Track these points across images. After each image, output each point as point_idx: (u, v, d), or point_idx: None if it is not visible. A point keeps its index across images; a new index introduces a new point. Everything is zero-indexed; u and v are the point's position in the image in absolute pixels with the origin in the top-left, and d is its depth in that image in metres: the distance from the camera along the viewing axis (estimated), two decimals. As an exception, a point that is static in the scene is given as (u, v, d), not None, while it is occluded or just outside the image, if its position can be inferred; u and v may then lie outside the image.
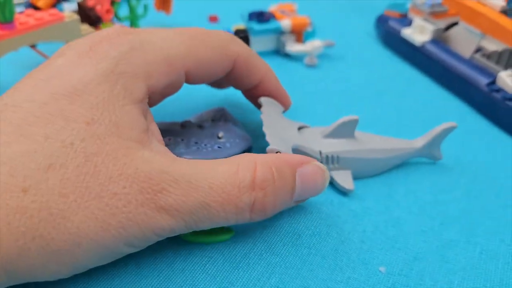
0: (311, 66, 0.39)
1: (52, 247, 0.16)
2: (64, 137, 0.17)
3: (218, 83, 0.29)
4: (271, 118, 0.25)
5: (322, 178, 0.21)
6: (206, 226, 0.19)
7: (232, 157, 0.20)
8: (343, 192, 0.25)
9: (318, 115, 0.32)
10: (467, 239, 0.23)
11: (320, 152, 0.24)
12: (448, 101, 0.35)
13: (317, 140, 0.25)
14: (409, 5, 0.42)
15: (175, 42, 0.21)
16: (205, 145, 0.25)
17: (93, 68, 0.19)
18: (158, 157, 0.18)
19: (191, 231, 0.19)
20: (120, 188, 0.17)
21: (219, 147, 0.25)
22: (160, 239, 0.18)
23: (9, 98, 0.18)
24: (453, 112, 0.33)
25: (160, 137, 0.21)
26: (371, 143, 0.26)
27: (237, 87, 0.27)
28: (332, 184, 0.26)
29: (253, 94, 0.27)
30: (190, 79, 0.23)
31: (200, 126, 0.26)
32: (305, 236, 0.23)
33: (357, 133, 0.26)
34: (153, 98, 0.21)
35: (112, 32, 0.21)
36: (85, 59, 0.19)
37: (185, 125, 0.26)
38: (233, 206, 0.19)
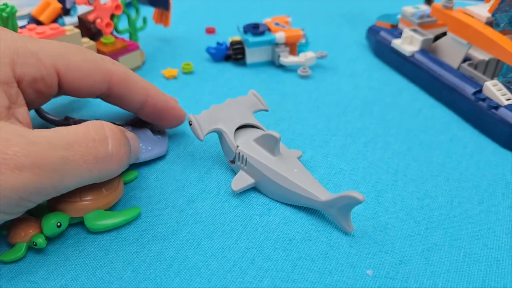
0: (304, 77, 0.40)
1: None
2: None
3: (108, 101, 0.29)
4: (233, 102, 0.29)
5: (138, 144, 0.27)
6: (73, 182, 0.21)
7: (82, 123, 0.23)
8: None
9: (310, 125, 0.33)
10: (451, 243, 0.24)
11: (237, 147, 0.27)
12: (436, 109, 0.36)
13: (247, 138, 0.27)
14: (399, 16, 0.44)
15: (49, 45, 0.24)
16: None
17: None
18: (13, 126, 0.20)
19: (58, 191, 0.21)
20: None
21: None
22: (31, 204, 0.20)
23: None
24: (440, 120, 0.35)
25: (26, 121, 0.23)
26: (285, 170, 0.25)
27: (125, 108, 0.29)
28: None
29: (146, 114, 0.29)
30: (64, 84, 0.25)
31: None
32: (295, 241, 0.24)
33: (292, 158, 0.26)
34: (25, 89, 0.23)
35: None
36: None
37: None
38: (93, 157, 0.22)
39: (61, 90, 0.25)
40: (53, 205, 0.23)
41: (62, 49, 0.25)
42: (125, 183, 0.27)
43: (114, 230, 0.24)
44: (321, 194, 0.24)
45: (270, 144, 0.26)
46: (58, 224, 0.22)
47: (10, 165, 0.19)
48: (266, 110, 0.30)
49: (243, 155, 0.26)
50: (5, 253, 0.22)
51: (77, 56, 0.25)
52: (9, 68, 0.22)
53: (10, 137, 0.19)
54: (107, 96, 0.27)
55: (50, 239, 0.23)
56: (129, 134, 0.26)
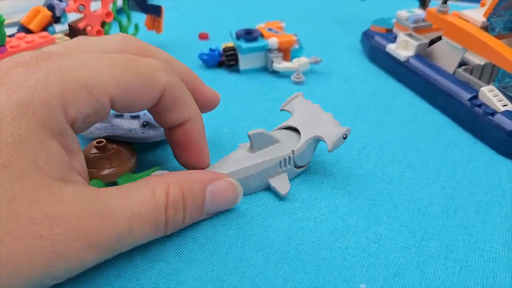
0: (298, 83, 0.39)
1: None
2: None
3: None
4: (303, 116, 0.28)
5: (233, 193, 0.24)
6: (128, 247, 0.21)
7: (147, 179, 0.22)
8: (327, 209, 0.26)
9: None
10: (446, 255, 0.23)
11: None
12: (431, 115, 0.35)
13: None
14: (393, 20, 0.43)
15: (97, 68, 0.20)
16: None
17: (7, 99, 0.18)
18: (81, 193, 0.19)
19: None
20: (46, 229, 0.17)
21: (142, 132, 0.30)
22: (84, 269, 0.20)
23: None
24: (435, 125, 0.34)
25: (83, 170, 0.21)
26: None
27: (160, 122, 0.25)
28: (318, 202, 0.26)
29: (174, 137, 0.25)
30: (116, 107, 0.21)
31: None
32: (288, 254, 0.23)
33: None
34: (77, 127, 0.20)
35: (30, 58, 0.19)
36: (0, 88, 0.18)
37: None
38: (153, 226, 0.21)
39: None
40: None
41: (111, 68, 0.20)
42: None
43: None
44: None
45: (262, 140, 0.26)
46: None
47: (80, 243, 0.18)
48: None
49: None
50: None
51: (129, 74, 0.21)
52: (61, 113, 0.19)
53: (82, 214, 0.18)
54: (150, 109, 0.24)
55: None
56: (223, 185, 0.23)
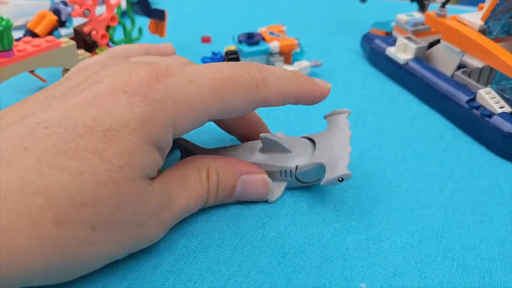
0: (299, 85, 0.40)
1: (73, 267, 0.20)
2: (98, 177, 0.19)
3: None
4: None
5: (264, 188, 0.26)
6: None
7: (193, 162, 0.25)
8: (328, 211, 0.27)
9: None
10: (444, 255, 0.24)
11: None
12: (430, 117, 0.36)
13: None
14: (393, 24, 0.44)
15: (205, 90, 0.22)
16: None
17: (129, 111, 0.20)
18: (157, 183, 0.22)
19: None
20: (140, 219, 0.21)
21: None
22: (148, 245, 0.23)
23: (41, 115, 0.19)
24: (434, 128, 0.35)
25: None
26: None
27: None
28: (318, 204, 0.27)
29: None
30: (212, 119, 0.24)
31: None
32: (290, 255, 0.24)
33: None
34: (176, 137, 0.23)
35: (150, 73, 0.21)
36: (122, 97, 0.20)
37: None
38: (198, 204, 0.25)
39: None
40: None
41: (218, 89, 0.22)
42: None
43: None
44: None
45: (271, 144, 0.27)
46: None
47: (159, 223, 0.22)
48: None
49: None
50: None
51: (232, 94, 0.23)
52: (170, 132, 0.21)
53: (161, 205, 0.22)
54: None
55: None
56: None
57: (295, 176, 0.27)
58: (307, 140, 0.28)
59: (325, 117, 0.29)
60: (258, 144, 0.27)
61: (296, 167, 0.27)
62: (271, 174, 0.27)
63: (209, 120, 0.23)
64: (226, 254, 0.24)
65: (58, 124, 0.19)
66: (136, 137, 0.20)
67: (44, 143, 0.18)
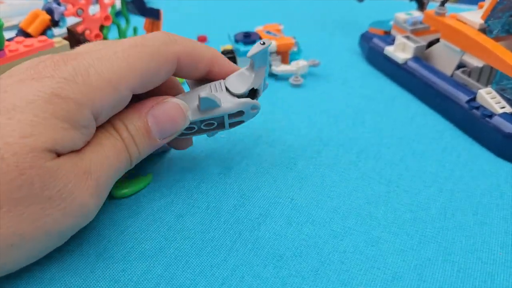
0: (296, 85, 0.39)
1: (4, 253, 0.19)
2: None
3: None
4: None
5: (178, 111, 0.24)
6: None
7: (105, 130, 0.23)
8: (325, 212, 0.26)
9: (301, 135, 0.33)
10: (444, 258, 0.23)
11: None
12: (429, 117, 0.35)
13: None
14: (391, 23, 0.43)
15: (117, 62, 0.22)
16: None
17: (36, 90, 0.20)
18: (74, 159, 0.21)
19: None
20: (55, 193, 0.20)
21: None
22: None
23: None
24: (433, 128, 0.34)
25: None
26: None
27: (188, 78, 0.27)
28: (316, 205, 0.26)
29: (209, 80, 0.27)
30: (137, 91, 0.23)
31: None
32: (286, 258, 0.23)
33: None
34: (100, 120, 0.22)
35: (58, 58, 0.21)
36: (31, 82, 0.20)
37: None
38: (126, 156, 0.23)
39: None
40: None
41: (128, 58, 0.22)
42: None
43: (101, 246, 0.24)
44: None
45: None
46: None
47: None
48: None
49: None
50: None
51: (144, 59, 0.22)
52: (88, 110, 0.21)
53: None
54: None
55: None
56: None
57: (226, 87, 0.26)
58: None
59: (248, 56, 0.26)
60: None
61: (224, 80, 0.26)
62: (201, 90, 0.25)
63: (133, 93, 0.23)
64: (220, 257, 0.23)
65: None
66: (42, 111, 0.19)
67: None
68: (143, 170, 0.29)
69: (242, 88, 0.26)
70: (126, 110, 0.24)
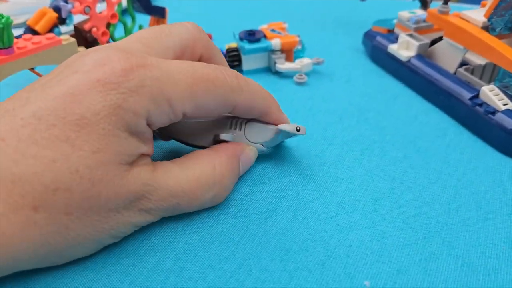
0: (300, 83, 0.40)
1: (56, 251, 0.21)
2: (70, 164, 0.19)
3: None
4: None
5: (254, 157, 0.28)
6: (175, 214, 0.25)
7: (194, 156, 0.25)
8: (331, 208, 0.26)
9: (306, 134, 0.33)
10: (448, 252, 0.24)
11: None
12: (433, 114, 0.36)
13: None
14: (395, 21, 0.44)
15: (180, 83, 0.22)
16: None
17: (101, 99, 0.20)
18: (143, 172, 0.22)
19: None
20: (114, 205, 0.21)
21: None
22: (137, 229, 0.24)
23: (20, 108, 0.20)
24: (437, 125, 0.34)
25: (151, 149, 0.24)
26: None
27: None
28: (321, 200, 0.27)
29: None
30: (187, 118, 0.24)
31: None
32: (292, 252, 0.23)
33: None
34: (152, 128, 0.23)
35: (124, 63, 0.21)
36: (95, 86, 0.20)
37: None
38: (198, 203, 0.25)
39: None
40: None
41: (194, 87, 0.22)
42: None
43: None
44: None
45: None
46: None
47: (135, 209, 0.22)
48: None
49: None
50: None
51: (207, 95, 0.23)
52: (144, 121, 0.21)
53: (139, 189, 0.22)
54: None
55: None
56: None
57: (244, 133, 0.28)
58: None
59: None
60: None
61: (247, 121, 0.28)
62: (217, 122, 0.28)
63: (184, 117, 0.23)
64: (228, 250, 0.24)
65: (33, 115, 0.19)
66: (107, 123, 0.20)
67: (20, 134, 0.19)
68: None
69: (257, 139, 0.28)
70: (223, 153, 0.26)
